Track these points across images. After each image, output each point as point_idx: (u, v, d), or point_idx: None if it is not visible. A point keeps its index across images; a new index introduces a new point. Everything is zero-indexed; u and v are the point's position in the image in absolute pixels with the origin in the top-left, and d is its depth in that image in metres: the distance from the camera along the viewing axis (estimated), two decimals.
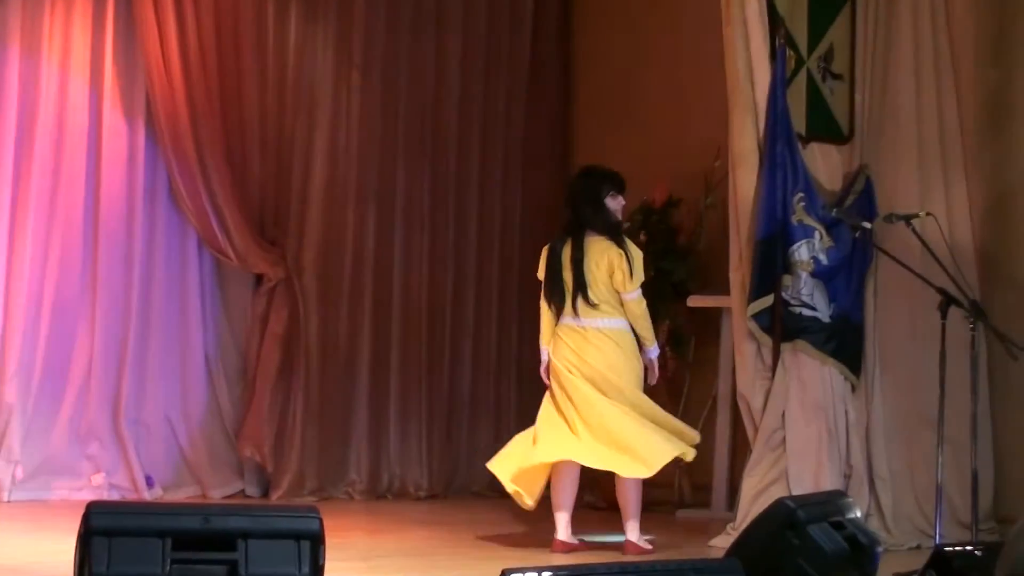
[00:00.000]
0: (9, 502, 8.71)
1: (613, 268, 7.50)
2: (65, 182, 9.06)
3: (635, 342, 7.61)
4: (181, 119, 9.21)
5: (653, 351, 7.66)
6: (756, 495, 7.60)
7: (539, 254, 10.33)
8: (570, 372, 7.55)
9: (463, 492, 10.06)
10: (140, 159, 9.26)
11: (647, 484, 9.61)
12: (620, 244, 7.56)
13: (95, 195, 9.15)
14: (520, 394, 10.39)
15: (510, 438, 10.25)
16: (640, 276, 7.56)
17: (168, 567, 4.09)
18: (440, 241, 10.22)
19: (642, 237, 9.61)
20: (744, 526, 6.17)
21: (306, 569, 4.26)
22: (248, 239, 9.44)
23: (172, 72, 9.20)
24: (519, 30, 10.56)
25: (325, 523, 4.43)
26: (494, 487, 10.15)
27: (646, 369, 7.66)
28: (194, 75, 9.27)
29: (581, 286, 7.52)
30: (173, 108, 9.21)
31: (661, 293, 9.49)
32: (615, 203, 7.70)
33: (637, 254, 7.59)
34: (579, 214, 7.63)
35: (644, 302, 7.62)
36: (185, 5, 9.26)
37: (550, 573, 4.37)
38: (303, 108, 9.74)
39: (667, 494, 9.55)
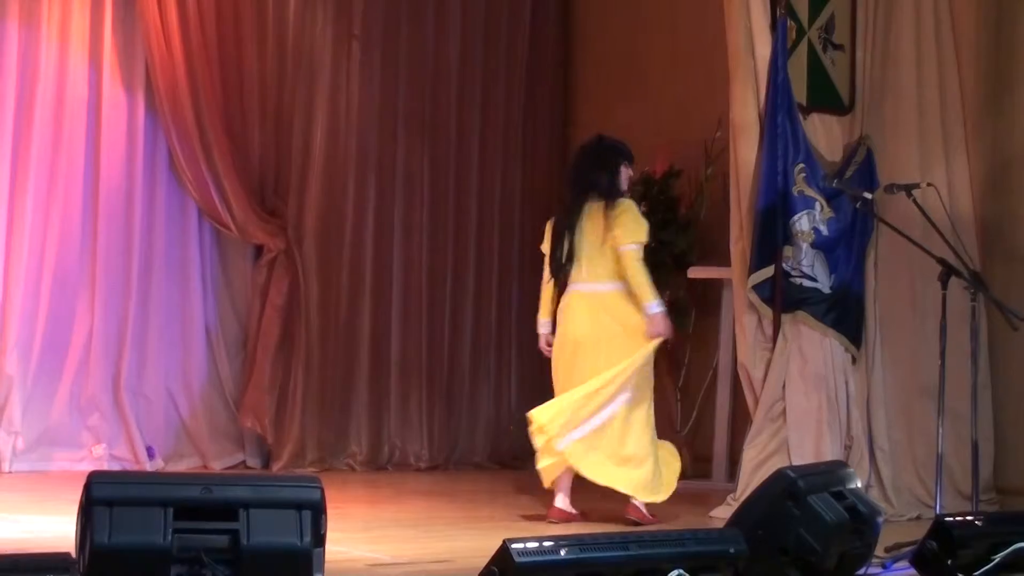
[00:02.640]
0: (10, 473, 8.72)
1: (612, 226, 7.41)
2: (65, 154, 9.05)
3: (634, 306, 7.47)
4: (181, 90, 9.19)
5: (652, 306, 7.45)
6: (757, 466, 7.61)
7: (539, 224, 10.34)
8: (581, 344, 7.46)
9: (463, 463, 10.08)
10: (140, 131, 9.25)
11: None
12: (618, 203, 7.47)
13: (95, 167, 9.14)
14: (521, 365, 10.40)
15: (510, 409, 10.33)
16: (638, 232, 7.43)
17: (170, 536, 4.09)
18: (440, 212, 10.21)
19: (643, 208, 9.59)
20: (745, 497, 6.18)
21: (307, 539, 4.26)
22: (248, 210, 9.44)
23: (171, 43, 9.17)
24: (518, 5, 10.53)
25: (326, 494, 4.43)
26: (494, 458, 10.21)
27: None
28: (194, 46, 9.25)
29: (588, 252, 7.46)
30: (173, 79, 9.19)
31: (661, 264, 9.49)
32: (627, 173, 7.65)
33: (635, 211, 7.49)
34: (592, 181, 7.53)
35: (640, 258, 7.44)
36: None
37: (551, 543, 4.38)
38: (303, 79, 9.72)
39: None
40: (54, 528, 6.50)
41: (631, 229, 7.43)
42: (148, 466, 8.97)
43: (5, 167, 8.87)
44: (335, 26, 9.86)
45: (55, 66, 9.04)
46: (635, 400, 7.41)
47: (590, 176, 7.54)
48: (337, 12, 9.87)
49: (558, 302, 7.64)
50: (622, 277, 7.44)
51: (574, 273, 7.51)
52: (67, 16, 9.06)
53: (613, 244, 7.41)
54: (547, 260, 7.65)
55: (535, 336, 10.38)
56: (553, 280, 7.63)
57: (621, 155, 7.62)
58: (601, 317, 7.44)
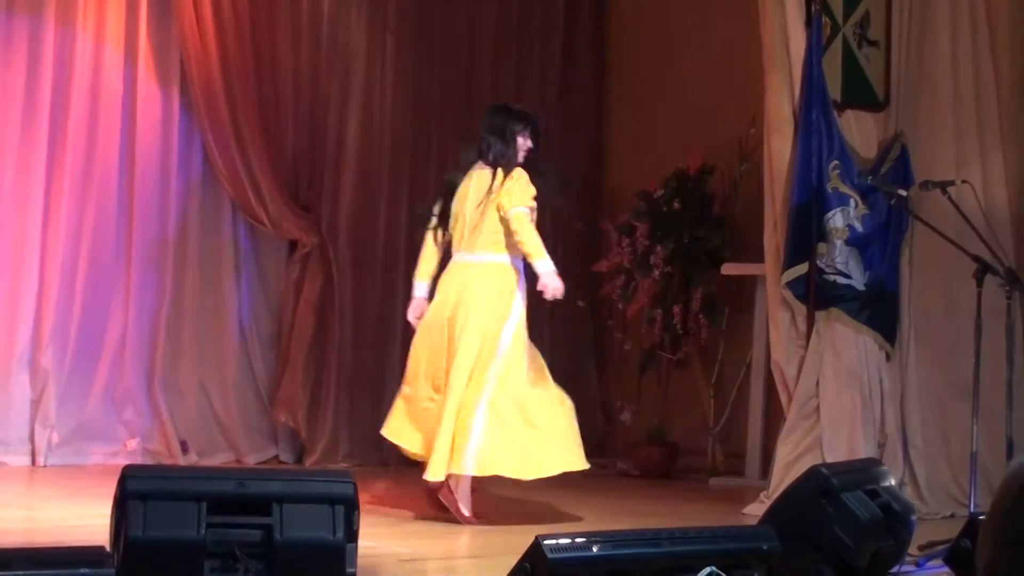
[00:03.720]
0: (45, 466, 8.76)
1: (501, 194, 7.19)
2: (100, 149, 9.08)
3: (514, 280, 7.30)
4: (215, 84, 9.21)
5: (541, 264, 7.20)
6: (790, 463, 7.59)
7: (573, 221, 10.37)
8: (452, 321, 7.21)
9: None
10: (174, 125, 9.28)
11: (682, 452, 9.66)
12: (505, 172, 7.23)
13: (130, 161, 9.17)
14: (551, 359, 10.36)
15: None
16: (525, 196, 7.19)
17: (203, 531, 4.11)
18: None
19: (676, 204, 9.60)
20: (778, 494, 6.17)
21: (340, 534, 4.27)
22: (282, 205, 9.46)
23: (206, 37, 9.20)
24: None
25: (359, 489, 4.43)
26: None
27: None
28: (228, 40, 9.27)
29: (471, 219, 7.27)
30: (207, 73, 9.22)
31: (695, 261, 9.49)
32: (525, 143, 7.38)
33: (525, 179, 7.23)
34: (486, 145, 7.33)
35: (528, 218, 7.17)
36: None
37: (583, 539, 4.38)
38: (337, 73, 9.74)
39: (701, 462, 9.57)
40: (90, 521, 6.53)
41: (521, 194, 7.19)
42: (182, 460, 8.99)
43: (41, 162, 8.92)
44: (369, 20, 9.88)
45: (90, 61, 9.07)
46: (507, 381, 7.19)
47: (484, 141, 7.34)
48: (372, 6, 9.88)
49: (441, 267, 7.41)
50: (501, 249, 7.25)
51: (455, 241, 7.32)
52: (103, 11, 9.10)
53: (501, 209, 7.19)
54: (432, 220, 7.42)
55: (568, 333, 10.44)
56: (433, 237, 7.42)
57: (520, 122, 7.38)
58: (471, 289, 7.23)
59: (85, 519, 6.70)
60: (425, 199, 9.97)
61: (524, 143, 7.37)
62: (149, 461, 8.88)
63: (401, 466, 9.58)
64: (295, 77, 9.57)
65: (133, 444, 9.03)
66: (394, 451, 9.73)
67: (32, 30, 8.90)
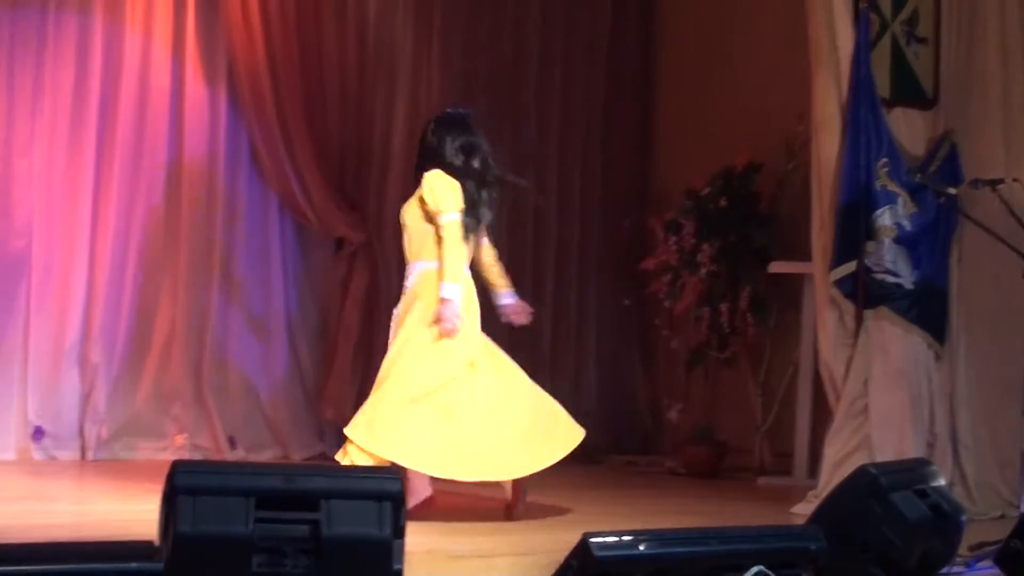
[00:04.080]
0: (94, 461, 8.83)
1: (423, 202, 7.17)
2: (148, 146, 9.14)
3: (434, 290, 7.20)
4: (262, 82, 9.25)
5: (444, 288, 7.08)
6: (838, 462, 7.55)
7: (620, 219, 10.37)
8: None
9: None
10: (222, 122, 9.32)
11: (729, 451, 9.63)
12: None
13: (177, 159, 9.22)
14: (599, 355, 10.39)
15: (589, 402, 10.32)
16: (441, 200, 7.12)
17: (251, 526, 4.11)
18: (520, 205, 10.21)
19: (723, 202, 9.58)
20: (826, 493, 6.14)
21: (387, 530, 4.27)
22: (328, 202, 9.48)
23: (253, 35, 9.24)
24: None
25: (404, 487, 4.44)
26: (575, 452, 10.16)
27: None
28: (275, 38, 9.30)
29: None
30: (254, 71, 9.25)
31: (742, 259, 9.46)
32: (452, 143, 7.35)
33: (434, 179, 7.19)
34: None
35: (453, 230, 7.11)
36: None
37: (631, 537, 4.37)
38: (383, 71, 9.76)
39: (748, 461, 9.54)
40: (138, 516, 6.56)
41: (438, 199, 7.17)
42: (229, 456, 9.03)
43: (90, 160, 8.98)
44: (416, 18, 9.89)
45: (138, 59, 9.13)
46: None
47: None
48: (418, 3, 9.90)
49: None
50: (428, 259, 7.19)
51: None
52: (150, 8, 9.15)
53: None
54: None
55: (615, 330, 10.44)
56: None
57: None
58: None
59: (134, 514, 6.73)
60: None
61: (452, 142, 7.34)
62: (197, 457, 8.93)
63: None
64: (341, 74, 9.59)
65: (181, 440, 9.08)
66: None
67: (81, 28, 8.96)
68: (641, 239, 10.24)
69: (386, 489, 4.32)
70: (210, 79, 9.33)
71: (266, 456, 9.27)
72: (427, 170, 7.22)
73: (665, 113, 10.60)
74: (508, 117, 10.19)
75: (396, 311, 7.28)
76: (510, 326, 10.06)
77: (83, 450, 8.90)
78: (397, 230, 9.65)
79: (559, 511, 7.57)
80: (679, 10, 10.58)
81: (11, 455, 8.73)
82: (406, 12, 9.87)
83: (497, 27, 10.17)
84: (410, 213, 7.25)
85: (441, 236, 7.10)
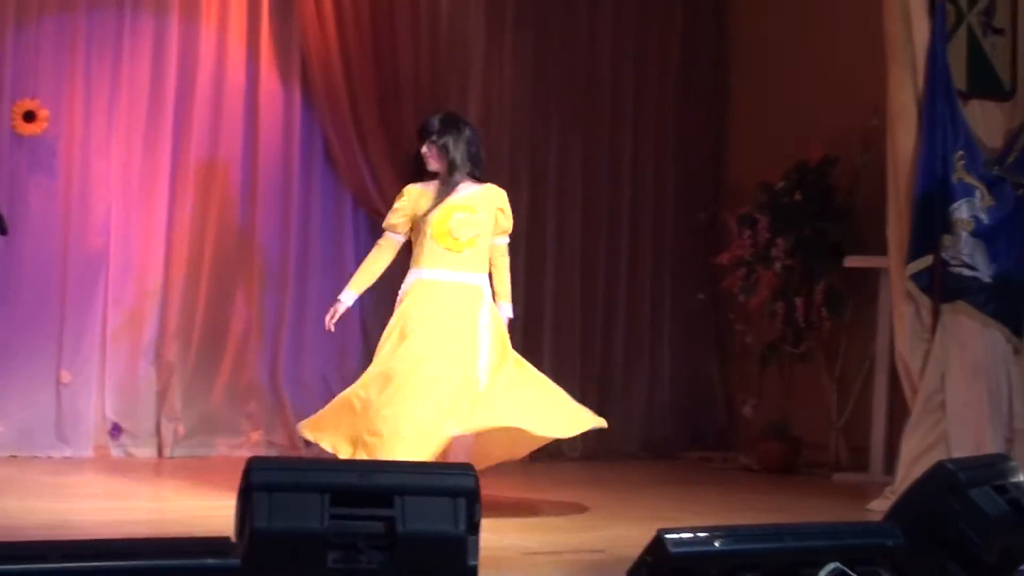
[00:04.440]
0: (171, 458, 8.90)
1: None
2: (223, 144, 9.20)
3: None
4: (336, 80, 9.28)
5: (343, 295, 7.60)
6: (915, 458, 7.49)
7: (694, 214, 10.33)
8: None
9: (617, 453, 10.04)
10: (296, 120, 9.36)
11: (804, 446, 9.56)
12: None
13: (252, 156, 9.27)
14: (673, 350, 10.36)
15: (664, 397, 10.29)
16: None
17: (327, 522, 4.13)
18: (594, 204, 10.20)
19: (797, 196, 9.52)
20: (903, 489, 6.09)
21: (462, 526, 4.27)
22: None
23: (327, 33, 9.27)
24: None
25: (480, 482, 4.44)
26: (648, 447, 10.18)
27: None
28: (349, 36, 9.34)
29: None
30: (328, 69, 9.29)
31: (817, 253, 9.40)
32: (427, 151, 7.38)
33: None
34: None
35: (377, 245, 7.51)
36: None
37: (706, 533, 4.35)
38: (456, 66, 9.77)
39: (824, 457, 9.48)
40: (215, 513, 6.60)
41: None
42: (304, 453, 9.07)
43: (166, 158, 9.05)
44: (488, 13, 9.90)
45: (214, 57, 9.19)
46: None
47: None
48: (490, 3, 9.90)
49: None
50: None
51: None
52: (226, 7, 9.21)
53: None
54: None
55: (689, 326, 10.42)
56: None
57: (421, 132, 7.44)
58: None
59: (210, 510, 6.78)
60: (545, 193, 10.03)
61: (428, 150, 7.37)
62: (272, 453, 8.97)
63: (523, 460, 9.61)
64: (415, 71, 9.61)
65: (257, 436, 9.13)
66: None
67: (157, 26, 9.04)
68: (715, 233, 10.20)
69: (460, 485, 4.32)
70: (284, 76, 9.38)
71: None
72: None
73: (739, 107, 10.56)
74: (581, 112, 10.18)
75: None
76: (582, 329, 10.10)
77: (160, 447, 8.98)
78: None
79: (633, 507, 7.55)
80: (752, 3, 10.53)
81: (89, 452, 8.81)
82: (478, 7, 9.88)
83: (569, 21, 10.15)
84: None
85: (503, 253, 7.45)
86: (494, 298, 7.39)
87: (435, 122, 7.38)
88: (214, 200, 9.17)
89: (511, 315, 7.47)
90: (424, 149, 7.35)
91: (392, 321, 7.38)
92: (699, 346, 10.47)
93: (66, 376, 8.81)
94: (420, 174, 7.40)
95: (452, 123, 7.40)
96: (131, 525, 6.41)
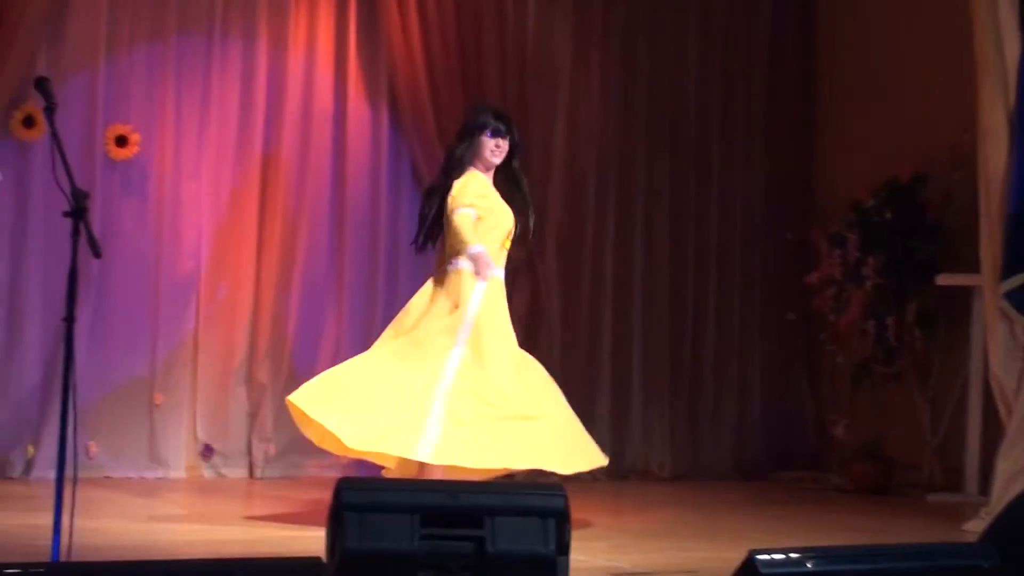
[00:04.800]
0: (262, 479, 8.95)
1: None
2: (312, 166, 9.26)
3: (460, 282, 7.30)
4: (423, 101, 9.32)
5: (471, 249, 7.24)
6: (1011, 478, 7.39)
7: (782, 233, 10.27)
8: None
9: (707, 473, 9.99)
10: (384, 142, 9.41)
11: (897, 467, 9.46)
12: (452, 178, 7.32)
13: (341, 178, 9.33)
14: (762, 370, 10.30)
15: (754, 418, 10.23)
16: (460, 199, 7.25)
17: (417, 542, 4.14)
18: (682, 220, 10.17)
19: (888, 214, 9.45)
20: (998, 510, 6.01)
21: (552, 547, 4.26)
22: None
23: (414, 55, 9.32)
24: (760, 6, 10.44)
25: (570, 502, 4.43)
26: (738, 468, 10.12)
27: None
28: (435, 58, 9.37)
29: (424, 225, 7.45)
30: (415, 90, 9.33)
31: (908, 272, 9.32)
32: (491, 143, 7.35)
33: (459, 184, 7.29)
34: (448, 152, 7.48)
35: (462, 218, 7.24)
36: None
37: (798, 554, 4.31)
38: (542, 88, 9.78)
39: (917, 477, 9.38)
40: (305, 533, 6.64)
41: (457, 197, 7.29)
42: (393, 473, 9.08)
43: (255, 180, 9.13)
44: (575, 34, 9.91)
45: (302, 80, 9.26)
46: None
47: (449, 147, 7.49)
48: (577, 23, 9.91)
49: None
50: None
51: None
52: (313, 31, 9.28)
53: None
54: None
55: (779, 346, 10.36)
56: None
57: (484, 120, 7.37)
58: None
59: (301, 530, 6.82)
60: (632, 213, 10.01)
61: (490, 142, 7.33)
62: (362, 474, 9.00)
63: (613, 480, 9.59)
64: (501, 91, 9.62)
65: (346, 458, 9.15)
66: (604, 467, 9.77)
67: (246, 52, 9.13)
68: (804, 253, 10.13)
69: (551, 505, 4.32)
70: (372, 99, 9.44)
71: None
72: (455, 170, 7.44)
73: (827, 125, 10.49)
74: (668, 132, 10.15)
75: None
76: (671, 349, 10.06)
77: (251, 467, 9.04)
78: (559, 247, 9.75)
79: (723, 528, 7.50)
80: (840, 20, 10.46)
81: (181, 473, 8.90)
82: (565, 29, 9.89)
83: (656, 40, 10.13)
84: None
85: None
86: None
87: (510, 120, 7.48)
88: (303, 222, 9.23)
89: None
90: (501, 142, 7.36)
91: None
92: (789, 366, 10.40)
93: (159, 397, 8.90)
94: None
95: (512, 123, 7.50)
96: (222, 545, 6.45)
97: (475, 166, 7.35)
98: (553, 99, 9.83)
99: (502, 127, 7.36)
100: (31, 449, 8.56)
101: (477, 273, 7.26)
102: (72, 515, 5.04)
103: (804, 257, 10.13)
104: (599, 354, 9.89)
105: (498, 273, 7.37)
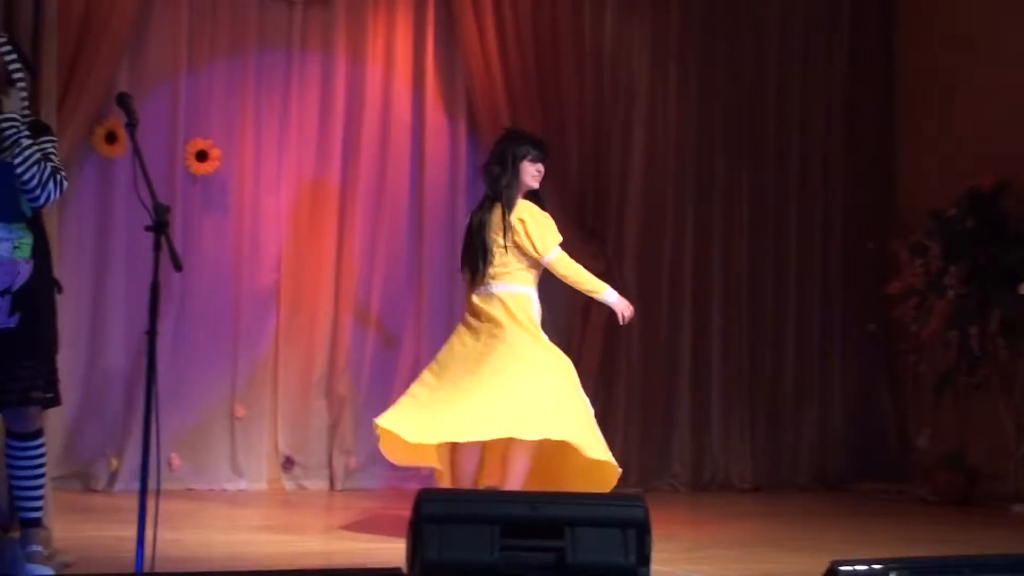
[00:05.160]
0: (343, 491, 8.98)
1: (515, 235, 7.32)
2: (391, 179, 9.30)
3: (530, 307, 7.45)
4: (501, 114, 9.33)
5: (607, 295, 7.61)
6: None
7: (862, 242, 10.20)
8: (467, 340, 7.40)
9: (787, 484, 9.94)
10: (462, 155, 9.43)
11: (981, 477, 9.36)
12: (509, 209, 7.33)
13: (419, 191, 9.36)
14: (844, 381, 10.23)
15: (835, 428, 10.16)
16: (545, 238, 7.36)
17: (497, 553, 4.14)
18: (760, 231, 10.12)
19: (970, 223, 9.36)
20: None
21: (632, 558, 4.25)
22: (568, 232, 9.46)
23: (492, 69, 9.33)
24: (838, 15, 10.37)
25: (650, 513, 4.41)
26: (819, 479, 10.05)
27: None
28: (513, 71, 9.38)
29: (484, 253, 7.39)
30: (493, 104, 9.34)
31: (992, 281, 9.23)
32: (532, 168, 7.40)
33: (531, 215, 7.34)
34: (489, 176, 7.44)
35: (565, 260, 7.45)
36: (503, 2, 9.38)
37: (880, 566, 4.28)
38: (621, 102, 9.77)
39: (1001, 488, 9.28)
40: (385, 544, 6.65)
41: (543, 234, 7.37)
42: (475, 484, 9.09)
43: (334, 194, 9.18)
44: (653, 46, 9.89)
45: (380, 93, 9.30)
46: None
47: (489, 170, 7.45)
48: (654, 35, 9.89)
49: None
50: (508, 280, 7.44)
51: (477, 276, 7.50)
52: (391, 45, 9.32)
53: (530, 255, 7.39)
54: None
55: (859, 356, 10.28)
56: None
57: (523, 146, 7.41)
58: (485, 318, 7.55)
59: (382, 542, 6.83)
60: (711, 224, 9.97)
61: (532, 167, 7.40)
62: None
63: (692, 491, 9.56)
64: (579, 105, 9.63)
65: (427, 469, 9.16)
66: (683, 477, 9.74)
67: (324, 66, 9.18)
68: (885, 262, 10.06)
69: (631, 516, 4.31)
70: (450, 112, 9.46)
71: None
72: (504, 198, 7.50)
73: (907, 133, 10.41)
74: (747, 143, 10.11)
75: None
76: (750, 359, 10.00)
77: (331, 479, 9.08)
78: (637, 258, 9.73)
79: (804, 539, 7.45)
80: (919, 28, 10.38)
81: (263, 485, 8.95)
82: (643, 40, 9.88)
83: (734, 51, 10.10)
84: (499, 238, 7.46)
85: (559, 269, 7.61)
86: None
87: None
88: (382, 235, 9.27)
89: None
90: (541, 168, 7.43)
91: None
92: (870, 377, 10.32)
93: (240, 410, 8.96)
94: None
95: None
96: (303, 557, 6.49)
97: (519, 192, 7.42)
98: (631, 109, 9.82)
99: (542, 153, 7.45)
100: (115, 462, 8.65)
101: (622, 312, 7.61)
102: (155, 527, 5.08)
103: (885, 267, 10.05)
104: (678, 365, 9.86)
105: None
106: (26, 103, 5.79)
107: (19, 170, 5.61)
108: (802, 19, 10.28)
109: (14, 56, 5.77)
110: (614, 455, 9.50)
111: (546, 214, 7.46)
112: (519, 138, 7.54)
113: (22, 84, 5.78)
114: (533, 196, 7.51)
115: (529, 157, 7.39)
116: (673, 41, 9.94)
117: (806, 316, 10.22)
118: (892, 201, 10.43)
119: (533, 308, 7.47)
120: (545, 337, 7.47)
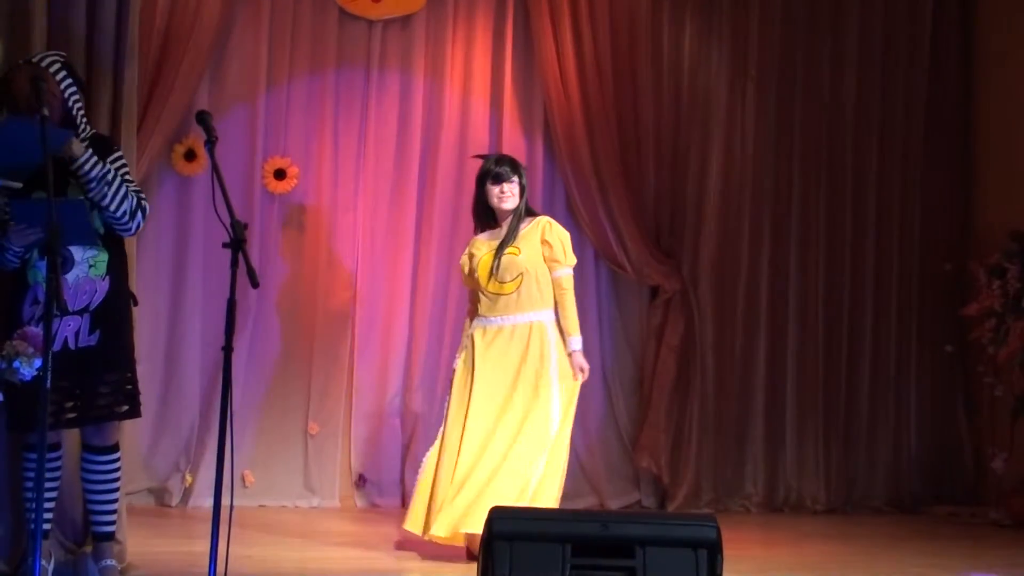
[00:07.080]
0: None
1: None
2: (467, 200, 9.27)
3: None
4: (578, 133, 9.35)
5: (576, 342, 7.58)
6: None
7: (940, 264, 10.12)
8: None
9: (861, 506, 9.87)
10: (538, 173, 9.43)
11: None
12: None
13: None
14: (920, 405, 10.14)
15: (910, 450, 10.08)
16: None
17: (568, 572, 4.15)
18: (837, 250, 10.06)
19: None
20: None
21: None
22: (644, 251, 9.50)
23: (569, 87, 9.35)
24: (917, 32, 10.30)
25: (722, 533, 4.40)
26: (894, 502, 9.97)
27: None
28: (590, 89, 9.39)
29: None
30: (570, 123, 9.36)
31: None
32: (496, 189, 7.37)
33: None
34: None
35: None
36: (582, 21, 9.39)
37: None
38: (698, 119, 9.76)
39: None
40: (457, 563, 6.67)
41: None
42: None
43: (411, 213, 9.22)
44: (730, 67, 9.87)
45: (458, 112, 9.34)
46: None
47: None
48: (732, 53, 9.87)
49: None
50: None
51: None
52: (470, 64, 9.36)
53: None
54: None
55: (936, 379, 10.20)
56: None
57: (480, 171, 7.46)
58: None
59: (453, 560, 6.85)
60: (787, 244, 9.93)
61: (494, 188, 7.39)
62: None
63: (765, 512, 9.51)
64: (656, 123, 9.62)
65: None
66: (755, 498, 9.70)
67: (403, 85, 9.23)
68: (962, 284, 9.98)
69: (703, 536, 4.30)
70: (527, 132, 9.48)
71: (582, 504, 9.30)
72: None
73: (985, 154, 10.32)
74: (824, 162, 10.06)
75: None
76: (825, 380, 9.95)
77: (404, 498, 9.08)
78: (713, 278, 9.71)
79: (878, 562, 7.40)
80: (999, 48, 10.30)
81: (335, 502, 8.99)
82: (720, 59, 9.86)
83: (812, 71, 10.05)
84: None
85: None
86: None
87: (513, 161, 7.52)
88: (458, 254, 9.27)
89: (576, 347, 7.45)
90: (506, 188, 7.38)
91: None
92: (947, 399, 10.24)
93: (314, 427, 9.01)
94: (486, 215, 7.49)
95: (517, 162, 7.54)
96: (375, 574, 6.51)
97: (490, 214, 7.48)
98: (708, 130, 9.80)
99: (503, 172, 7.40)
100: (189, 478, 8.72)
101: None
102: (227, 543, 5.11)
103: (962, 289, 9.98)
104: (752, 385, 9.82)
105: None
106: (84, 122, 5.85)
107: (111, 208, 5.69)
108: (881, 37, 10.21)
109: (70, 81, 5.82)
110: (687, 476, 9.54)
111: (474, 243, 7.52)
112: (482, 163, 7.55)
113: (79, 107, 5.83)
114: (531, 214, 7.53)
115: (489, 180, 7.41)
116: (751, 62, 9.91)
117: (882, 337, 10.15)
118: (970, 223, 10.35)
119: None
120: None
